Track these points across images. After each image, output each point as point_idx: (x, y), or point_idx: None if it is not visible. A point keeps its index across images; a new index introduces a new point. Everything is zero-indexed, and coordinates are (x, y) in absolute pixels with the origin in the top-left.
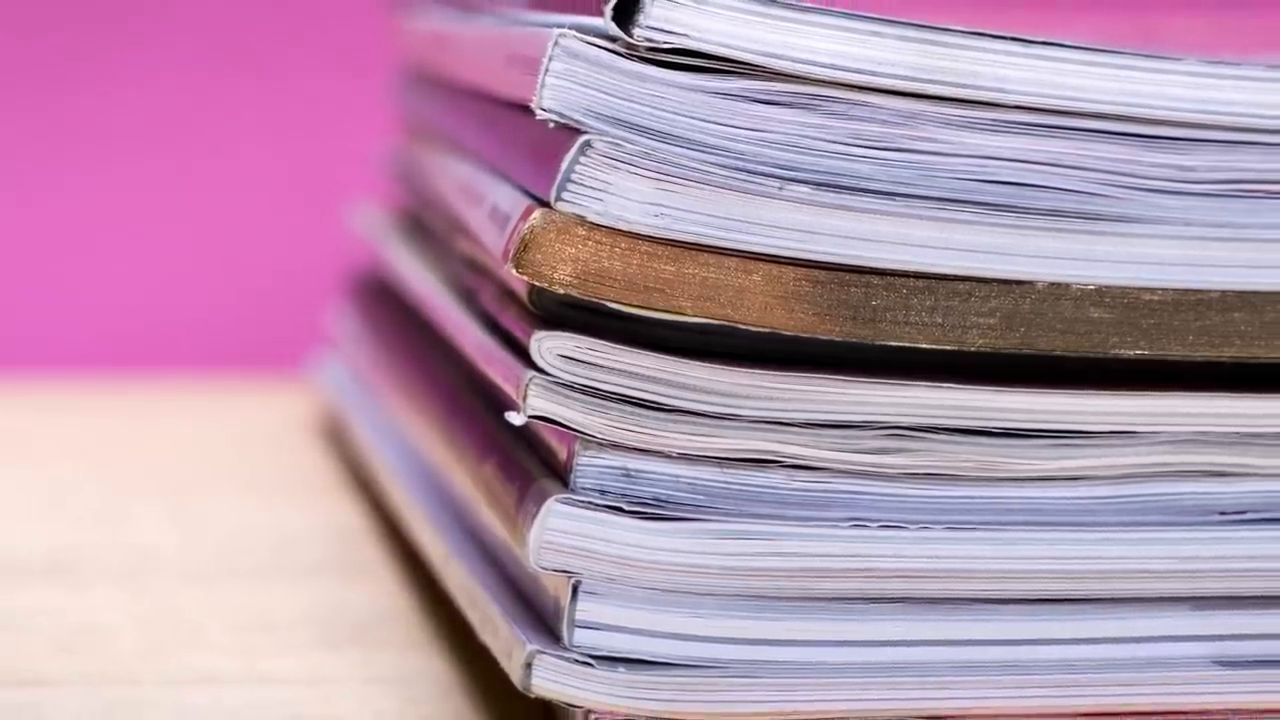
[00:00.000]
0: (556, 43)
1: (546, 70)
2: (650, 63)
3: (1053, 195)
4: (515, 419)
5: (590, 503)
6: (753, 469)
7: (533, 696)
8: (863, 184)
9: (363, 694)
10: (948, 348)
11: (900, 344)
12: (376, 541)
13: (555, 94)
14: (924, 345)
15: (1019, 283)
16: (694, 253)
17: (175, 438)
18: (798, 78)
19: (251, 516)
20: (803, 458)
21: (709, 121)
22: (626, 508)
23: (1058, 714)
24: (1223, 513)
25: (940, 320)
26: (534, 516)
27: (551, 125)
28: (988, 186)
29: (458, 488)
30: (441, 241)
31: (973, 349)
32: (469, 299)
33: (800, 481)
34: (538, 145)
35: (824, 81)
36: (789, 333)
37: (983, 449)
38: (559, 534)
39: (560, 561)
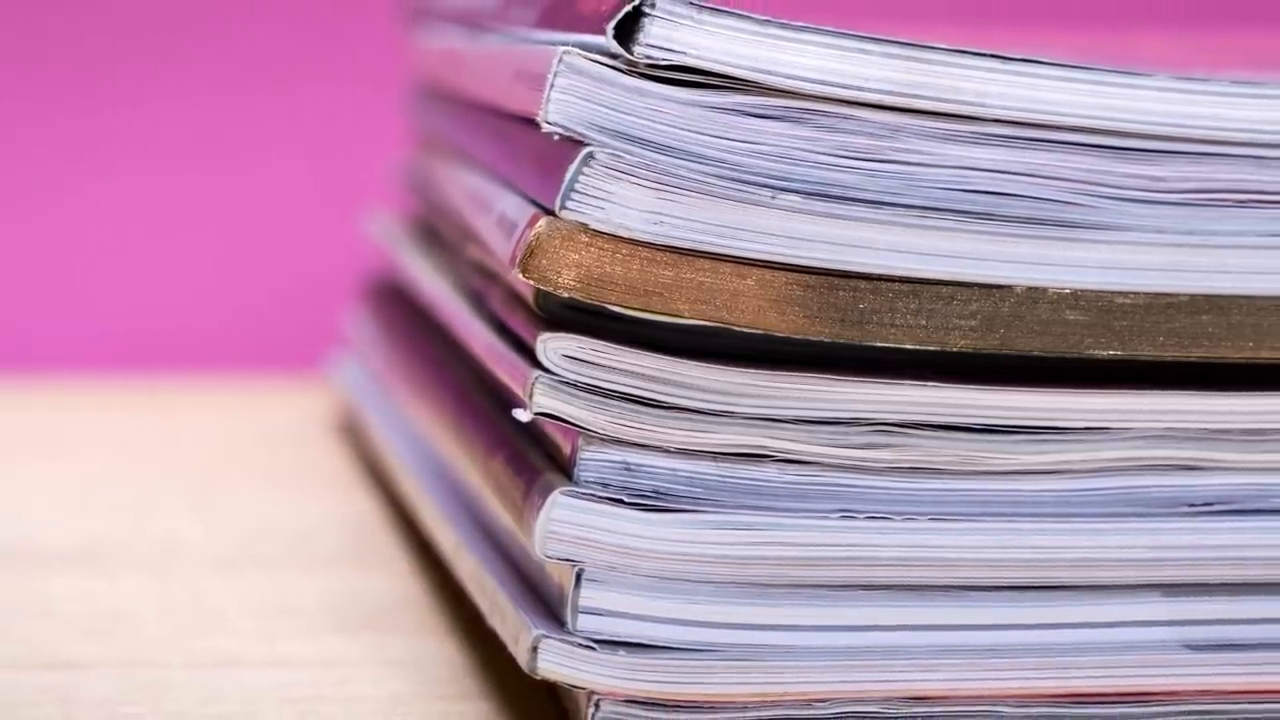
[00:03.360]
0: (561, 60)
1: (551, 86)
2: (650, 79)
3: (1030, 204)
4: (522, 416)
5: (593, 495)
6: (747, 463)
7: (538, 678)
8: (850, 193)
9: (377, 676)
10: (931, 348)
11: (886, 345)
12: (390, 532)
13: (560, 108)
14: (908, 346)
15: (998, 287)
16: (691, 258)
17: (200, 434)
18: (789, 93)
19: (272, 508)
20: (794, 452)
21: (705, 134)
22: (627, 500)
23: (1035, 694)
24: (1191, 505)
25: (924, 322)
26: (540, 508)
27: (556, 138)
28: (968, 196)
29: (467, 481)
30: (452, 248)
31: (955, 349)
32: (478, 302)
33: (792, 475)
34: (543, 157)
35: (813, 96)
36: (781, 334)
37: (964, 444)
38: (563, 525)
39: (564, 551)
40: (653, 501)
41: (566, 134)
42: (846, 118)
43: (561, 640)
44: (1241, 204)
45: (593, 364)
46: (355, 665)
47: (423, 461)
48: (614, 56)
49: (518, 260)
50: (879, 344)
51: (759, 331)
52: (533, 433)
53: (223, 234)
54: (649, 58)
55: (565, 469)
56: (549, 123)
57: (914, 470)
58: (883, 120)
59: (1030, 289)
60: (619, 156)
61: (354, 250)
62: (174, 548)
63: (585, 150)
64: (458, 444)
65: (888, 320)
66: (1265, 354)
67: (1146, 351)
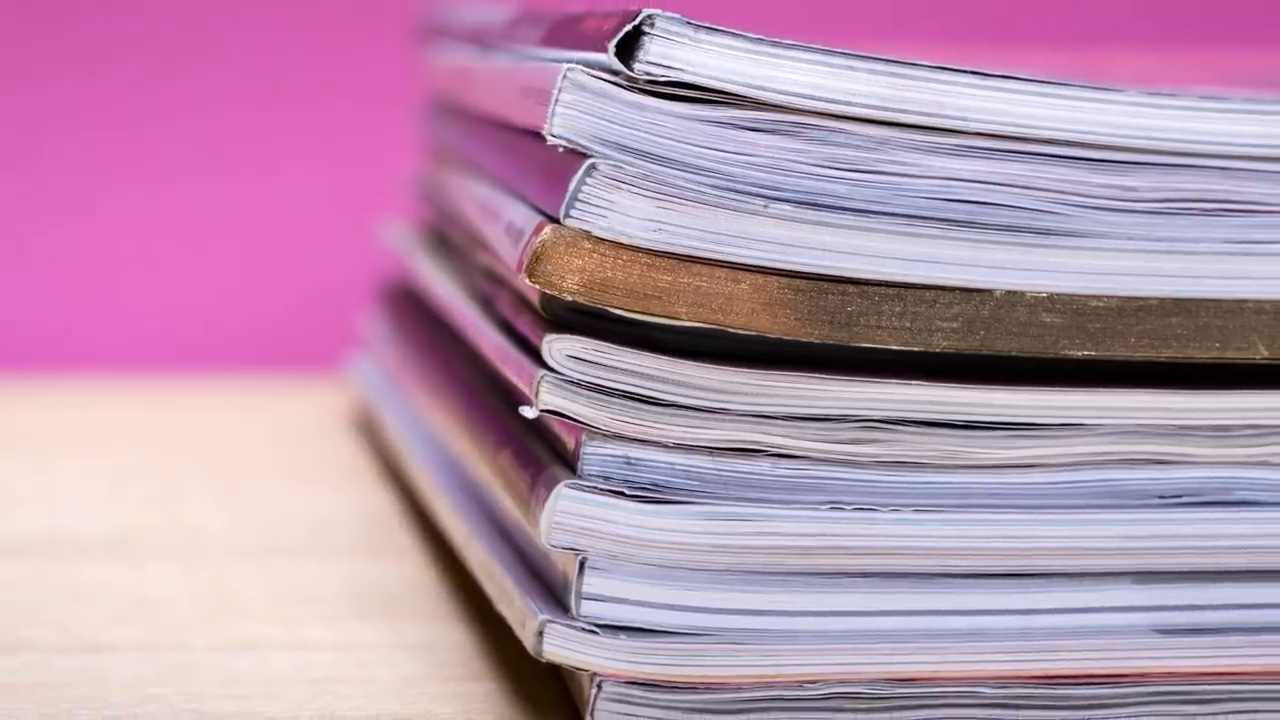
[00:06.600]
0: (565, 76)
1: (556, 100)
2: (649, 94)
3: (1009, 212)
4: (528, 413)
5: (595, 488)
6: (741, 457)
7: (544, 661)
8: (839, 202)
9: (392, 659)
10: (915, 349)
11: (872, 345)
12: (405, 523)
13: (564, 122)
14: (894, 347)
15: (978, 291)
16: (688, 264)
17: (224, 430)
18: (781, 107)
19: (292, 501)
20: (785, 447)
21: (701, 146)
22: (628, 492)
23: (1012, 676)
24: (1161, 496)
25: (908, 324)
26: (545, 500)
27: (561, 150)
28: (950, 205)
29: (477, 475)
30: (462, 254)
31: (937, 350)
32: (487, 305)
33: (783, 469)
34: (548, 168)
35: (804, 110)
36: (773, 335)
37: (947, 439)
38: (568, 516)
39: (569, 540)
40: (652, 494)
41: (570, 146)
42: (836, 131)
43: (566, 625)
44: (1209, 212)
45: (595, 364)
46: (372, 649)
47: (435, 456)
48: (615, 73)
49: (524, 266)
50: (866, 345)
51: (752, 333)
52: (539, 429)
53: (246, 241)
54: (649, 74)
55: (569, 463)
56: (554, 136)
57: (899, 464)
58: (870, 133)
59: (1009, 293)
60: (620, 167)
61: (370, 256)
62: (199, 538)
63: (588, 162)
64: (468, 439)
65: (874, 322)
66: (1231, 354)
67: (1119, 352)
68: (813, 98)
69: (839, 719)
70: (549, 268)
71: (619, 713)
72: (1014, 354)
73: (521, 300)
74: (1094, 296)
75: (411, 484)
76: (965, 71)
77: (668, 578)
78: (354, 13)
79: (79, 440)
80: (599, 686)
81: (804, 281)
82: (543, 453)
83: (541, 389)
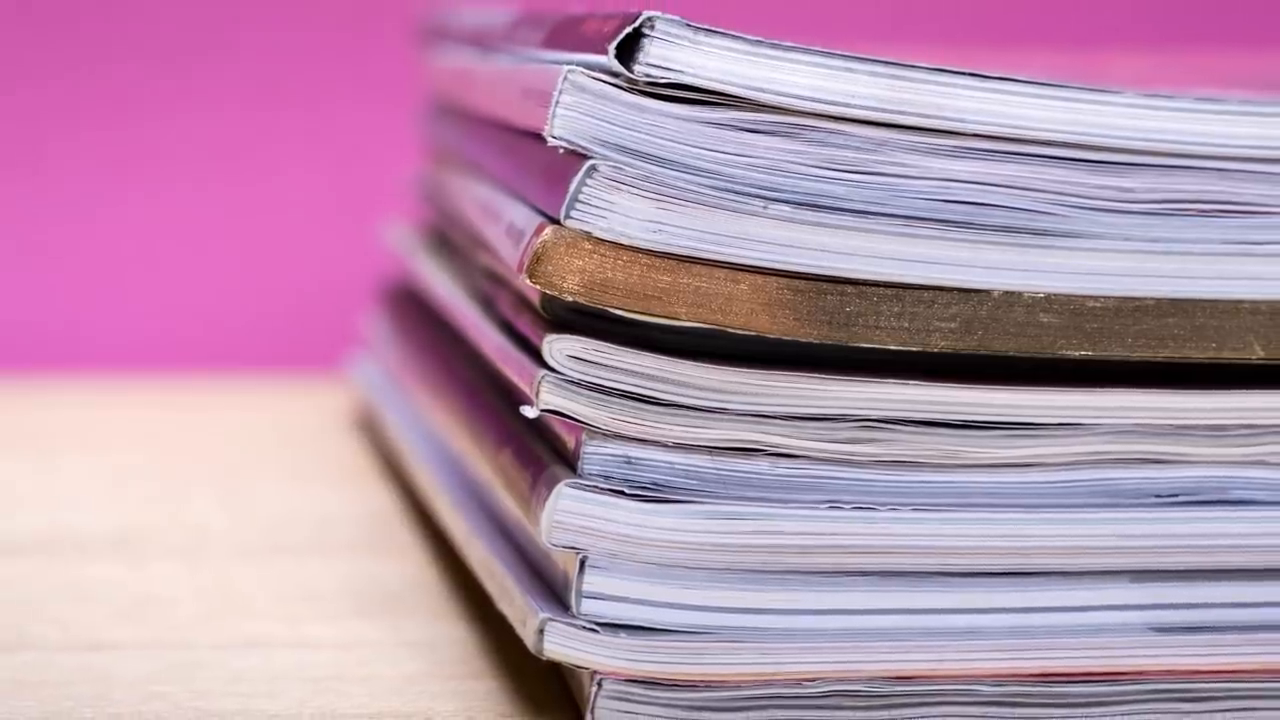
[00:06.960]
0: (566, 78)
1: (557, 102)
2: (649, 96)
3: (1006, 213)
4: (529, 412)
5: (596, 487)
6: (740, 457)
7: (545, 659)
8: (837, 203)
9: (394, 656)
10: (913, 349)
11: (871, 345)
12: (406, 522)
13: (565, 123)
14: (892, 347)
15: (976, 291)
16: (688, 265)
17: (227, 429)
18: (780, 109)
19: (295, 499)
20: (784, 447)
21: (701, 148)
22: (628, 491)
23: (1010, 674)
24: (1158, 495)
25: (906, 325)
26: (546, 499)
27: (561, 151)
28: (948, 205)
29: (478, 474)
30: (464, 255)
31: (935, 350)
32: (488, 306)
33: (782, 468)
34: (549, 169)
35: (803, 112)
36: (772, 336)
37: (944, 439)
38: (568, 515)
39: (569, 539)
40: (652, 493)
41: (571, 148)
42: (834, 132)
43: (566, 623)
44: (1205, 213)
45: (596, 364)
46: (374, 646)
47: (436, 455)
48: (616, 75)
49: (525, 266)
50: (864, 345)
51: (752, 333)
52: (539, 428)
53: (249, 242)
54: (649, 76)
55: (570, 462)
56: (554, 137)
57: (897, 463)
58: (868, 135)
59: (1006, 293)
60: (620, 169)
61: (371, 257)
62: (202, 536)
63: (588, 163)
64: (469, 439)
65: (872, 323)
66: (1227, 354)
67: (1116, 352)
68: (811, 99)
69: (838, 717)
70: (549, 268)
71: (619, 710)
72: (1012, 354)
73: (522, 300)
74: (1091, 297)
75: (412, 483)
76: (963, 73)
77: (668, 576)
78: (355, 14)
79: (80, 440)
80: (599, 684)
81: (803, 282)
82: (543, 452)
83: (542, 389)
